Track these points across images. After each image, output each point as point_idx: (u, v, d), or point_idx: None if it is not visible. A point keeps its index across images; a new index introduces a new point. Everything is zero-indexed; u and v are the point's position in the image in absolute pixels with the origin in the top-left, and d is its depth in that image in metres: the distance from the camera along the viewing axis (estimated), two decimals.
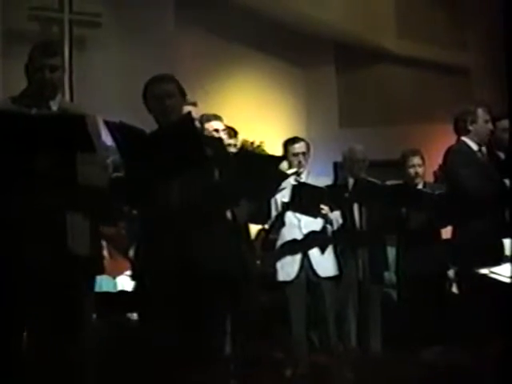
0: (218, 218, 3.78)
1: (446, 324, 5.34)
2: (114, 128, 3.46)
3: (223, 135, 4.66)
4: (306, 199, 5.13)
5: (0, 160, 3.39)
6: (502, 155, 5.26)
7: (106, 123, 3.44)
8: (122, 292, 5.46)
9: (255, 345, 4.26)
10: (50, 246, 3.44)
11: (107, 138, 3.64)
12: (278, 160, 4.57)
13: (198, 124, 4.56)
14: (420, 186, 5.81)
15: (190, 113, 3.74)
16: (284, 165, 5.31)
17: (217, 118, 4.74)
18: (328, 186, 5.42)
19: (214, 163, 3.63)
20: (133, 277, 3.92)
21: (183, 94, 3.88)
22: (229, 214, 4.34)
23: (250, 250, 4.68)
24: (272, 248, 5.39)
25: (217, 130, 4.66)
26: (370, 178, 5.74)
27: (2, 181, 3.44)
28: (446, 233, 5.67)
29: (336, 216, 5.47)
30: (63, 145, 3.39)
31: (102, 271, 3.92)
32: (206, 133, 4.61)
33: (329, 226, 5.44)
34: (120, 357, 4.57)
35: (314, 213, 5.28)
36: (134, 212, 3.95)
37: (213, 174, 3.64)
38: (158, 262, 3.55)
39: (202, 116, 4.73)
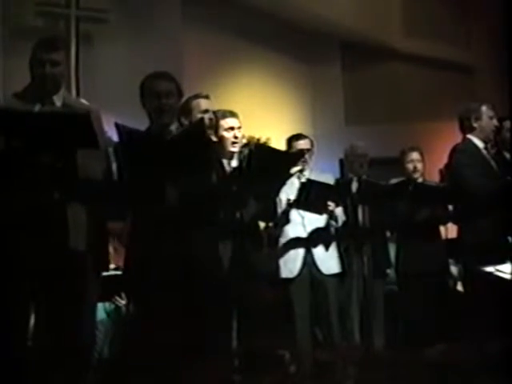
0: (222, 216, 3.83)
1: (449, 322, 5.34)
2: (124, 131, 3.49)
3: (238, 133, 4.65)
4: (314, 196, 5.12)
5: (5, 156, 3.41)
6: (508, 155, 5.27)
7: (117, 126, 3.47)
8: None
9: (259, 341, 4.26)
10: (54, 242, 3.46)
11: (112, 132, 3.67)
12: (295, 156, 4.59)
13: (212, 116, 4.55)
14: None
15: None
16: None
17: (233, 114, 4.69)
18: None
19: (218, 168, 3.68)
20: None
21: (180, 95, 3.89)
22: (237, 212, 4.35)
23: (257, 247, 4.67)
24: (275, 245, 5.40)
25: (232, 128, 4.63)
26: (372, 180, 5.77)
27: (8, 176, 3.46)
28: (452, 232, 5.68)
29: (340, 212, 5.48)
30: (67, 141, 3.40)
31: (107, 268, 3.93)
32: (220, 130, 4.60)
33: (333, 223, 5.45)
34: (123, 352, 4.59)
35: (321, 210, 5.28)
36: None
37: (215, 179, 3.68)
38: (158, 260, 3.58)
39: (218, 112, 4.70)
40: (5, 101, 3.79)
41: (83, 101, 4.37)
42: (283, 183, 4.44)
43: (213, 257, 3.78)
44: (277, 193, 4.68)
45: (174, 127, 3.83)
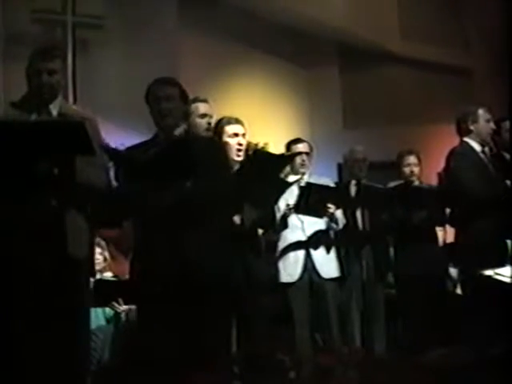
0: (221, 222, 3.82)
1: (449, 325, 5.33)
2: (111, 152, 3.58)
3: (242, 140, 4.64)
4: (313, 199, 5.11)
5: (1, 165, 3.41)
6: (507, 156, 5.27)
7: (102, 147, 3.52)
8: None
9: (259, 346, 4.25)
10: (50, 249, 3.46)
11: (108, 139, 3.68)
12: (292, 156, 4.57)
13: (210, 121, 4.55)
14: None
15: (185, 140, 3.78)
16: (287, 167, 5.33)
17: (238, 121, 4.70)
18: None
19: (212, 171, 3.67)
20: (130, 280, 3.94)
21: (185, 99, 3.89)
22: (237, 219, 4.34)
23: (257, 252, 4.67)
24: (274, 250, 5.38)
25: (236, 134, 4.62)
26: (371, 183, 5.77)
27: (4, 185, 3.46)
28: (450, 235, 5.68)
29: (340, 215, 5.47)
30: (63, 149, 3.40)
31: (93, 274, 3.94)
32: (224, 136, 4.60)
33: (334, 225, 5.44)
34: (122, 358, 4.57)
35: (322, 213, 5.28)
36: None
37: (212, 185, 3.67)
38: (158, 267, 3.58)
39: (223, 118, 4.70)
40: (2, 110, 3.79)
41: (80, 109, 4.37)
42: (283, 191, 4.42)
43: (215, 263, 3.76)
44: (276, 200, 4.66)
45: (178, 131, 3.84)
